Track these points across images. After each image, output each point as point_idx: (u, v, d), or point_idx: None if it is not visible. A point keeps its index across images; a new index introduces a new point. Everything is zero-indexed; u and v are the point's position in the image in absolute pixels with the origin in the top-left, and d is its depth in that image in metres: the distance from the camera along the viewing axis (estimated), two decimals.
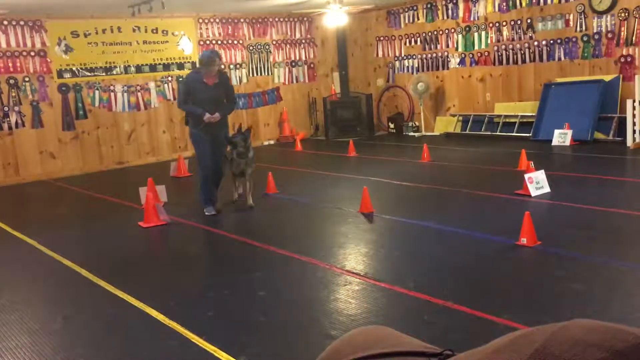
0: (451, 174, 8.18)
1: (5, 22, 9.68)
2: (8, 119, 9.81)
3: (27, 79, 9.95)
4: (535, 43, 10.56)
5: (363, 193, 6.18)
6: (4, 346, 3.55)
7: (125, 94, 10.94)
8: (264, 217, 6.53)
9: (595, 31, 9.79)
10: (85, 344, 3.55)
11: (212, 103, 6.34)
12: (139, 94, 11.09)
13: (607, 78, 9.56)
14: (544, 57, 10.49)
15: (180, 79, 10.23)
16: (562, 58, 10.27)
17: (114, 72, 10.78)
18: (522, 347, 0.62)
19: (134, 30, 10.87)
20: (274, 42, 12.68)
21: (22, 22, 9.83)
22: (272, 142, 12.71)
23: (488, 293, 3.89)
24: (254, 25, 12.37)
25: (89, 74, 10.53)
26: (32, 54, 9.98)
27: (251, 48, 12.37)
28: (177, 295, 4.22)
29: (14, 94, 9.85)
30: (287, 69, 12.92)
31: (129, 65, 10.91)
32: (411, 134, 12.29)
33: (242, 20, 12.19)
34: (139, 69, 11.02)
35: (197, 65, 6.26)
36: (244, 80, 12.34)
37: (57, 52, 10.20)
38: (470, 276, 4.23)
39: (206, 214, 6.53)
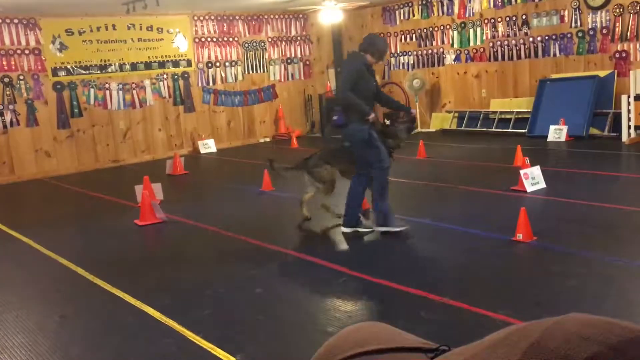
0: (447, 170, 8.19)
1: None
2: (3, 118, 9.77)
3: (21, 77, 9.91)
4: (531, 39, 10.58)
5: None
6: (1, 345, 3.54)
7: (121, 92, 10.91)
8: (260, 214, 6.53)
9: (590, 27, 9.80)
10: (81, 342, 3.55)
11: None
12: (134, 91, 11.06)
13: (602, 74, 9.58)
14: (539, 53, 10.51)
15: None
16: (557, 54, 10.28)
17: (109, 70, 10.75)
18: (517, 341, 0.62)
19: (128, 28, 10.84)
20: (270, 40, 12.67)
21: (16, 20, 9.79)
22: (268, 139, 12.70)
23: (484, 289, 3.90)
24: (249, 22, 12.35)
25: (83, 72, 10.50)
26: (27, 52, 9.94)
27: (246, 45, 12.35)
28: (173, 293, 4.21)
29: (8, 93, 9.81)
30: (282, 66, 12.90)
31: (124, 63, 10.88)
32: None
33: (237, 17, 12.17)
34: (134, 66, 10.99)
35: (367, 51, 5.16)
36: (240, 77, 12.32)
37: (51, 50, 10.16)
38: (466, 272, 4.24)
39: (398, 229, 5.18)
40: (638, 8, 9.21)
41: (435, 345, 0.88)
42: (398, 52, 12.78)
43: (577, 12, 9.90)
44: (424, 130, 12.09)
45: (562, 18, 10.13)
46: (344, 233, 5.28)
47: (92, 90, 10.63)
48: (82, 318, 3.95)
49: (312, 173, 5.74)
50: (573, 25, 10.00)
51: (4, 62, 9.75)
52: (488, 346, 0.65)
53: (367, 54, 5.21)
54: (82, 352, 3.42)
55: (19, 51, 9.86)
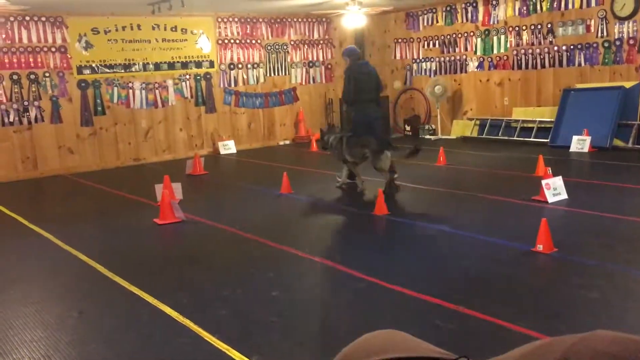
0: (467, 178, 8.13)
1: (27, 18, 9.80)
2: (28, 114, 9.93)
3: (47, 74, 10.06)
4: (555, 48, 10.47)
5: (378, 195, 6.16)
6: (20, 339, 3.59)
7: (143, 91, 11.02)
8: (278, 217, 6.54)
9: (616, 37, 9.68)
10: (99, 338, 3.58)
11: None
12: (157, 91, 11.16)
13: (628, 85, 9.45)
14: (564, 62, 10.40)
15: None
16: (582, 63, 10.17)
17: (133, 69, 10.86)
18: (542, 357, 0.61)
19: (153, 28, 10.95)
20: (292, 43, 12.71)
21: (43, 18, 9.94)
22: (287, 142, 12.73)
23: (502, 299, 3.86)
24: (272, 25, 12.40)
25: (108, 70, 10.62)
26: (53, 49, 10.09)
27: (269, 48, 12.40)
28: (190, 293, 4.23)
29: (34, 89, 9.96)
30: (304, 70, 12.93)
31: (148, 63, 10.99)
32: (427, 136, 12.25)
33: (260, 20, 12.23)
34: (157, 66, 11.10)
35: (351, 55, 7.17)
36: (261, 80, 12.37)
37: (77, 49, 10.30)
38: (484, 282, 4.20)
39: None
40: None
41: (455, 356, 0.87)
42: (420, 58, 12.74)
43: (604, 21, 9.78)
44: (444, 136, 12.03)
45: (588, 27, 10.02)
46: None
47: (115, 88, 10.75)
48: (100, 314, 3.99)
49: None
50: (599, 35, 9.88)
51: (31, 59, 9.91)
52: None
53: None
54: (100, 348, 3.45)
55: (45, 49, 10.02)
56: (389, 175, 6.98)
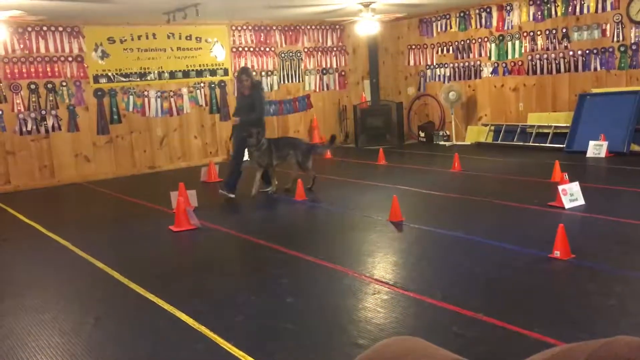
0: (482, 184, 8.08)
1: (45, 28, 9.93)
2: (45, 123, 10.05)
3: (64, 83, 10.18)
4: (571, 53, 10.40)
5: (392, 201, 6.15)
6: (37, 345, 3.62)
7: (159, 100, 11.11)
8: (292, 224, 6.54)
9: (632, 41, 9.60)
10: (115, 345, 3.60)
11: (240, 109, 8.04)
12: (172, 99, 11.25)
13: None
14: (579, 67, 10.32)
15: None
16: (598, 68, 10.09)
17: (148, 77, 10.96)
18: None
19: (168, 37, 11.05)
20: (306, 50, 12.75)
21: (60, 28, 10.08)
22: None
23: (519, 306, 3.82)
24: (286, 32, 12.46)
25: (123, 79, 10.73)
26: (70, 59, 10.21)
27: (283, 55, 12.45)
28: (206, 300, 4.24)
29: (51, 98, 10.09)
30: (318, 77, 12.96)
31: (163, 71, 11.08)
32: (442, 143, 12.20)
33: (274, 27, 12.29)
34: (172, 75, 11.19)
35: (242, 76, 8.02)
36: (275, 87, 12.42)
37: (93, 58, 10.42)
38: (500, 288, 4.17)
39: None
40: None
41: None
42: (434, 64, 12.71)
43: (620, 26, 9.70)
44: (459, 142, 11.98)
45: (603, 32, 9.94)
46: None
47: (131, 97, 10.85)
48: (116, 321, 4.01)
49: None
50: (615, 39, 9.80)
51: (48, 69, 10.04)
52: None
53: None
54: (115, 354, 3.47)
55: (62, 58, 10.14)
56: (313, 173, 8.11)
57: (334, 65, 13.21)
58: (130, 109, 10.87)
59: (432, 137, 12.51)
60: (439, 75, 12.67)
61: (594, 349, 0.60)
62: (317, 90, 12.99)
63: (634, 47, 9.60)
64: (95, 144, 10.55)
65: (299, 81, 12.73)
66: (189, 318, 3.86)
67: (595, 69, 10.13)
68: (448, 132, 12.29)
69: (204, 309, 4.03)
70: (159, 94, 11.09)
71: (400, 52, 13.47)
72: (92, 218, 7.45)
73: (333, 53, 13.17)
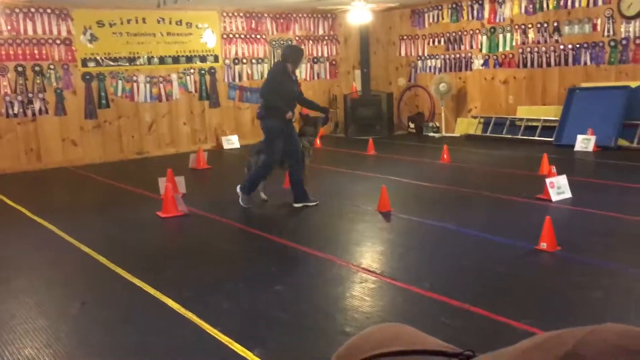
0: (471, 175, 8.11)
1: (32, 10, 9.80)
2: (32, 106, 9.93)
3: (51, 66, 10.06)
4: (561, 47, 10.43)
5: (381, 192, 6.16)
6: (23, 329, 3.60)
7: (148, 85, 11.02)
8: (281, 213, 6.54)
9: (623, 36, 9.64)
10: (101, 330, 3.59)
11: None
12: (161, 85, 11.16)
13: (634, 84, 9.41)
14: (570, 61, 10.36)
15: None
16: (588, 63, 10.13)
17: (138, 62, 10.86)
18: (552, 349, 0.60)
19: (158, 22, 10.94)
20: (297, 38, 12.68)
21: (48, 10, 9.94)
22: None
23: (506, 297, 3.85)
24: (277, 20, 12.38)
25: (112, 63, 10.62)
26: (58, 42, 10.08)
27: (274, 43, 12.38)
28: (193, 286, 4.23)
29: (38, 81, 9.97)
30: (308, 65, 12.91)
31: (153, 57, 10.98)
32: (431, 134, 12.22)
33: (265, 15, 12.21)
34: (162, 60, 11.09)
35: (287, 61, 6.29)
36: (266, 75, 12.34)
37: (82, 41, 10.30)
38: (487, 279, 4.19)
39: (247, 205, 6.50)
40: None
41: (460, 350, 0.86)
42: (425, 55, 12.70)
43: (610, 21, 9.74)
44: (448, 134, 12.00)
45: (594, 26, 9.98)
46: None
47: (120, 82, 10.75)
48: (102, 306, 3.99)
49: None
50: (605, 34, 9.84)
51: (35, 51, 9.91)
52: (521, 352, 0.63)
53: (288, 63, 6.26)
54: (101, 339, 3.45)
55: (50, 41, 10.01)
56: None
57: (325, 54, 13.16)
58: (119, 93, 10.77)
59: (421, 129, 12.52)
60: (430, 67, 12.66)
61: (582, 334, 0.60)
62: (308, 79, 12.94)
63: (624, 42, 9.64)
64: (83, 128, 10.45)
65: None
66: (176, 304, 3.85)
67: (585, 64, 10.17)
68: (438, 124, 12.31)
69: (191, 295, 4.02)
70: (148, 79, 10.99)
71: (391, 43, 13.44)
72: (79, 203, 7.40)
73: (324, 42, 13.12)
